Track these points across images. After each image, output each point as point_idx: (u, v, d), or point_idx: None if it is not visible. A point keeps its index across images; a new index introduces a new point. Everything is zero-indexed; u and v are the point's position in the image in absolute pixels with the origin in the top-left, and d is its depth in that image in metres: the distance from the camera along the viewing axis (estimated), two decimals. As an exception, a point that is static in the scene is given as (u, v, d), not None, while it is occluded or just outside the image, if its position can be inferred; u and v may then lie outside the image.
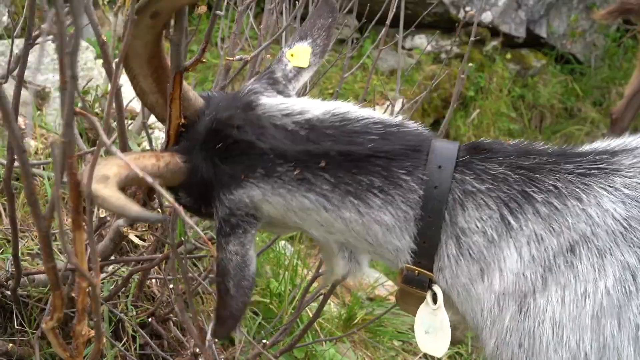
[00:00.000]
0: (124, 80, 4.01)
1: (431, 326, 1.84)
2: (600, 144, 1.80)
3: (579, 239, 1.65)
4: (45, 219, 1.47)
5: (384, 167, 1.73)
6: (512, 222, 1.69)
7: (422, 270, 1.77)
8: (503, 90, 7.72)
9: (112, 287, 2.71)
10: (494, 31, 7.89)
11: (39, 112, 3.92)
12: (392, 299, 3.97)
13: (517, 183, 1.70)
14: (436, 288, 1.79)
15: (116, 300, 2.73)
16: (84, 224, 1.42)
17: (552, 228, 1.67)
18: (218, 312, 1.74)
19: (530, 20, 8.10)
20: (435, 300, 1.81)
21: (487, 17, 7.79)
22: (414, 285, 1.80)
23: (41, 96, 4.04)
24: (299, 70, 1.97)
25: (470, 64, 5.45)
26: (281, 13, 3.31)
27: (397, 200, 1.73)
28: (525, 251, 1.68)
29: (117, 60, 1.67)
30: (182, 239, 2.58)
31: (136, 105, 3.89)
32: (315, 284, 2.96)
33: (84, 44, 4.66)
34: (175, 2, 1.59)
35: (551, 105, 8.03)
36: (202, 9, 2.58)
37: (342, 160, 1.73)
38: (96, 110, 3.74)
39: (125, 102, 3.89)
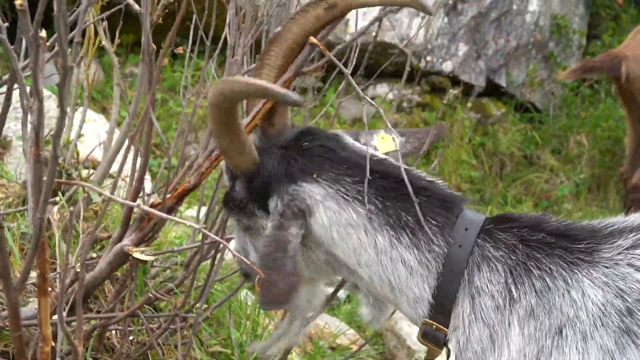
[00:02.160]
0: (85, 129, 4.00)
1: None
2: (598, 225, 1.95)
3: (565, 321, 1.80)
4: (16, 290, 1.50)
5: (421, 211, 1.89)
6: (514, 291, 1.85)
7: (439, 325, 1.90)
8: (464, 138, 7.82)
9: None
10: (454, 80, 8.03)
11: (-2, 160, 3.90)
12: (354, 347, 3.96)
13: (522, 255, 1.87)
14: (451, 346, 1.92)
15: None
16: (50, 289, 1.45)
17: (544, 304, 1.83)
18: (273, 283, 1.84)
19: (490, 69, 8.27)
20: (448, 358, 1.95)
21: (447, 66, 7.93)
22: (430, 341, 1.93)
23: (2, 145, 4.02)
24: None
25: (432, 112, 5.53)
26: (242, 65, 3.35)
27: (423, 247, 1.90)
28: (524, 326, 1.83)
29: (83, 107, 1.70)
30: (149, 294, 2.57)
31: (98, 154, 3.88)
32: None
33: (46, 92, 4.65)
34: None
35: (511, 153, 8.16)
36: (165, 61, 2.62)
37: (394, 190, 1.91)
38: (61, 160, 3.72)
39: (88, 151, 3.89)
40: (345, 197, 1.91)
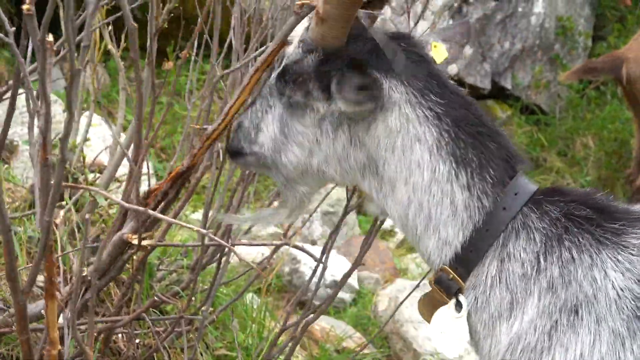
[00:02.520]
0: (91, 133, 4.02)
1: (448, 330, 1.92)
2: (633, 208, 1.94)
3: (583, 299, 1.80)
4: (24, 293, 1.51)
5: (487, 157, 1.88)
6: (542, 261, 1.84)
7: (456, 276, 1.89)
8: (470, 141, 7.81)
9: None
10: (459, 83, 8.02)
11: (6, 165, 3.92)
12: (359, 349, 3.96)
13: (561, 228, 1.86)
14: (462, 298, 1.91)
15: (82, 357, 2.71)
16: (57, 292, 1.46)
17: (565, 275, 1.82)
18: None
19: (495, 72, 8.26)
20: (458, 309, 1.92)
21: (452, 69, 7.93)
22: (442, 288, 1.92)
23: (9, 149, 4.03)
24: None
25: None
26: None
27: (475, 193, 1.88)
28: (542, 297, 1.82)
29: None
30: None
31: (104, 158, 3.90)
32: (282, 337, 2.96)
33: (52, 97, 4.67)
34: None
35: (529, 163, 8.14)
36: (169, 64, 2.63)
37: (471, 125, 1.90)
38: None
39: (93, 155, 3.90)
40: (425, 111, 1.89)
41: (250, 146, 2.07)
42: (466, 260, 1.89)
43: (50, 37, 1.39)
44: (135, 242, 2.39)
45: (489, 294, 1.87)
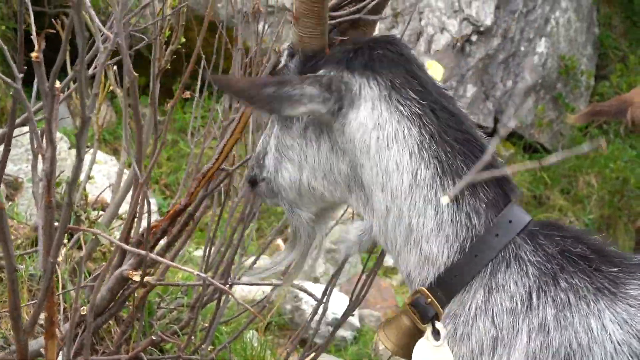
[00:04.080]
0: (96, 170, 4.06)
1: None
2: (628, 256, 1.83)
3: (577, 348, 1.67)
4: (26, 332, 1.54)
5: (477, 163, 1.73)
6: (535, 298, 1.70)
7: (434, 300, 1.73)
8: (473, 179, 7.84)
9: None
10: (463, 121, 8.07)
11: (10, 202, 3.95)
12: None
13: (557, 265, 1.73)
14: (439, 325, 1.74)
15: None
16: (57, 333, 1.50)
17: (560, 320, 1.69)
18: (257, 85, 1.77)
19: (498, 110, 8.31)
20: (436, 337, 1.75)
21: (456, 107, 7.98)
22: (418, 312, 1.75)
23: (13, 186, 4.07)
24: None
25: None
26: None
27: (463, 208, 1.73)
28: (532, 339, 1.68)
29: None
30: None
31: (107, 196, 3.93)
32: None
33: (57, 134, 4.72)
34: None
35: (520, 193, 8.17)
36: (170, 104, 2.68)
37: (458, 131, 1.77)
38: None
39: (97, 192, 3.93)
40: (403, 108, 1.75)
41: (261, 171, 1.99)
42: (448, 284, 1.72)
43: (58, 84, 1.43)
44: (136, 278, 2.41)
45: (472, 325, 1.70)
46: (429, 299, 1.74)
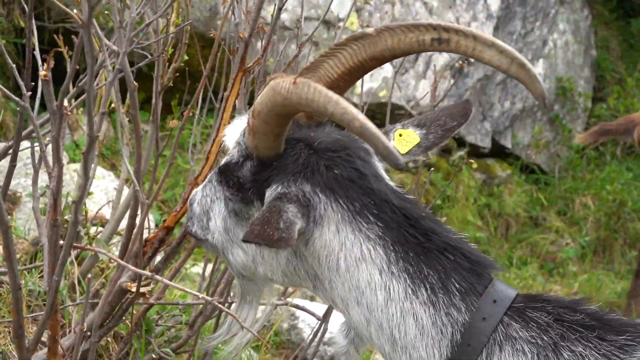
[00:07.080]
0: (94, 186, 4.05)
1: None
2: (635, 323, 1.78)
3: None
4: (28, 351, 1.55)
5: (445, 269, 1.74)
6: None
7: None
8: (469, 199, 7.86)
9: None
10: (460, 141, 8.10)
11: (8, 216, 3.94)
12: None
13: (555, 335, 1.71)
14: None
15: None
16: (60, 350, 1.50)
17: None
18: (263, 224, 1.70)
19: (496, 131, 8.34)
20: None
21: (453, 127, 8.00)
22: None
23: (12, 201, 4.07)
24: None
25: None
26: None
27: (441, 308, 1.72)
28: None
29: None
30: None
31: (106, 212, 3.93)
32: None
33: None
34: None
35: (516, 214, 8.18)
36: (174, 123, 2.68)
37: (420, 240, 1.76)
38: (66, 217, 3.77)
39: (96, 208, 3.93)
40: (365, 230, 1.76)
41: (204, 233, 1.97)
42: None
43: (65, 102, 1.43)
44: (134, 289, 2.41)
45: None
46: None
